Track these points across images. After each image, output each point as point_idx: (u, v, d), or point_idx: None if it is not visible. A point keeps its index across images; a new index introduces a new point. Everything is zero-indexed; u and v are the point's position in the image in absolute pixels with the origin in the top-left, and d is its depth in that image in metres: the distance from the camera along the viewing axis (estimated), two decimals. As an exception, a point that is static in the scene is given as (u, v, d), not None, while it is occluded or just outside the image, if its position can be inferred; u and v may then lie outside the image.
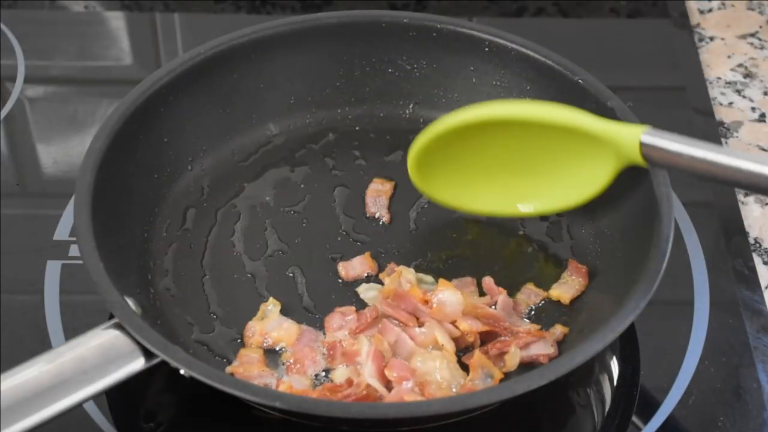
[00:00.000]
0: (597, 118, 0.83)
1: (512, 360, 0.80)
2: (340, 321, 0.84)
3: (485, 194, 0.90)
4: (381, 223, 0.93)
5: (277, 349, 0.83)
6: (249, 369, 0.81)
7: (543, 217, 0.93)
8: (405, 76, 1.00)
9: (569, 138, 0.83)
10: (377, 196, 0.94)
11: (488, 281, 0.86)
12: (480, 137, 0.86)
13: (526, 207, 0.90)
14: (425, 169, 0.90)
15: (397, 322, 0.83)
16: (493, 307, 0.85)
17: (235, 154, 0.97)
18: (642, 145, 0.80)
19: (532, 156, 0.86)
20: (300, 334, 0.84)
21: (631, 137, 0.81)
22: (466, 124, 0.86)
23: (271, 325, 0.84)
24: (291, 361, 0.82)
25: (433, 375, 0.79)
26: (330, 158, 0.98)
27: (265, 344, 0.83)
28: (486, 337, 0.83)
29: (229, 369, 0.82)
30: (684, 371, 0.85)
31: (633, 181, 0.86)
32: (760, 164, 0.75)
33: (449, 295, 0.83)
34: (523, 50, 0.95)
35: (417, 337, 0.81)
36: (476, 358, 0.80)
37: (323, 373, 0.82)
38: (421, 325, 0.82)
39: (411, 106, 1.01)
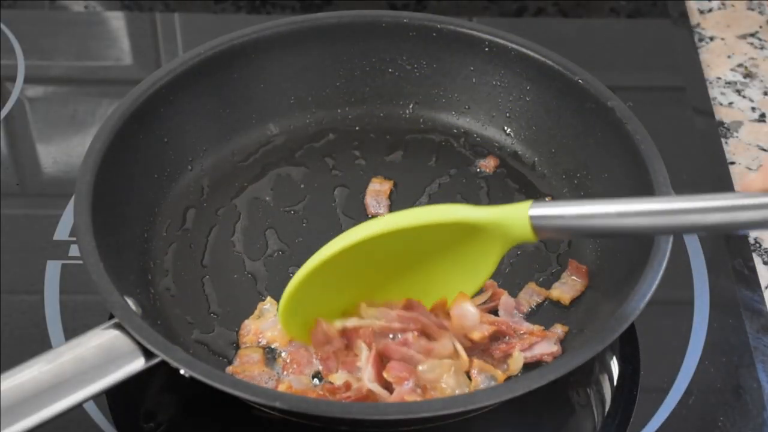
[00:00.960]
0: (475, 208, 0.79)
1: (515, 364, 0.80)
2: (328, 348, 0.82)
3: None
4: (382, 222, 0.93)
5: (273, 347, 0.83)
6: (249, 369, 0.82)
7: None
8: (405, 76, 1.00)
9: (447, 234, 0.79)
10: (377, 196, 0.94)
11: (490, 282, 0.86)
12: (351, 261, 0.80)
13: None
14: (303, 316, 0.82)
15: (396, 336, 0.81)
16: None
17: (235, 154, 0.97)
18: (531, 219, 0.76)
19: (413, 259, 0.81)
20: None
21: (518, 217, 0.76)
22: (334, 256, 0.79)
23: (266, 324, 0.84)
24: (288, 360, 0.82)
25: (440, 383, 0.78)
26: (330, 158, 0.98)
27: (259, 343, 0.83)
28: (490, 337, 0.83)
29: (229, 369, 0.82)
30: (684, 371, 0.85)
31: (633, 181, 0.86)
32: (657, 203, 0.74)
33: (468, 308, 0.81)
34: (523, 50, 0.95)
35: (434, 350, 0.80)
36: (476, 364, 0.80)
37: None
38: (433, 338, 0.81)
39: (411, 106, 1.01)
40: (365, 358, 0.79)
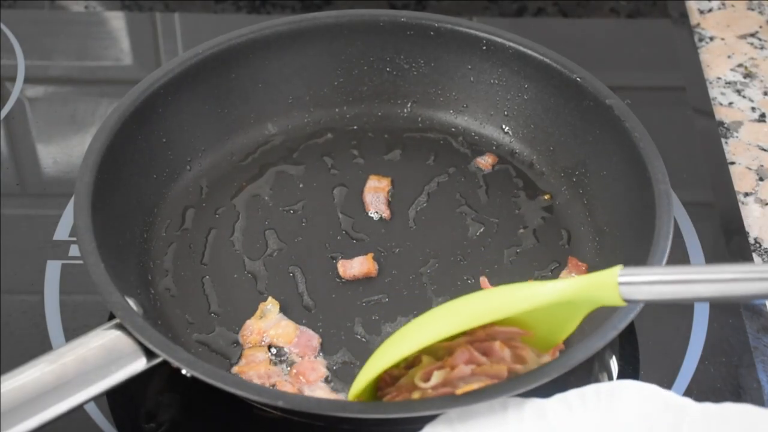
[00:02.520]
0: (559, 284, 0.73)
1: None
2: None
3: None
4: (380, 221, 0.93)
5: (278, 346, 0.84)
6: (256, 368, 0.82)
7: (542, 215, 0.93)
8: (403, 75, 1.00)
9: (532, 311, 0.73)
10: (376, 193, 0.94)
11: (484, 281, 0.86)
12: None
13: None
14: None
15: None
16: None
17: (234, 153, 0.97)
18: (621, 286, 0.70)
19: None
20: (298, 334, 0.84)
21: (607, 284, 0.70)
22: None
23: (268, 324, 0.84)
24: (294, 372, 0.82)
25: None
26: (328, 157, 0.98)
27: (262, 343, 0.83)
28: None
29: (235, 369, 0.82)
30: (684, 371, 0.85)
31: (632, 178, 0.86)
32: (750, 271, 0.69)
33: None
34: (521, 48, 0.95)
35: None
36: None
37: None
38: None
39: (409, 105, 1.01)
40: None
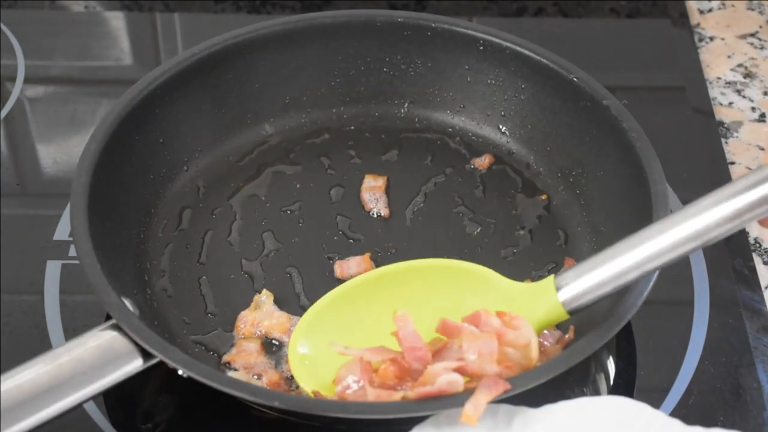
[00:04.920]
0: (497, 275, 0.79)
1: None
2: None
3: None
4: (378, 221, 0.93)
5: (272, 337, 0.84)
6: (246, 358, 0.82)
7: (539, 215, 0.93)
8: (400, 76, 1.00)
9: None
10: (373, 192, 0.94)
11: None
12: (369, 300, 0.80)
13: None
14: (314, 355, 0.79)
15: None
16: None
17: (231, 154, 0.97)
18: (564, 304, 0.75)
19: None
20: (291, 324, 0.84)
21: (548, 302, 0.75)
22: (343, 294, 0.80)
23: (262, 315, 0.85)
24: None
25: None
26: (325, 158, 0.98)
27: (257, 334, 0.84)
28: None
29: (226, 357, 0.83)
30: (684, 371, 0.85)
31: (628, 177, 0.86)
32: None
33: None
34: (518, 49, 0.95)
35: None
36: None
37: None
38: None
39: (406, 105, 1.01)
40: None
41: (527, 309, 0.76)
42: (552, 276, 0.77)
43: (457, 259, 0.90)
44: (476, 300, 0.78)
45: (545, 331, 0.81)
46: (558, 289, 0.76)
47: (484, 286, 0.80)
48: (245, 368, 0.82)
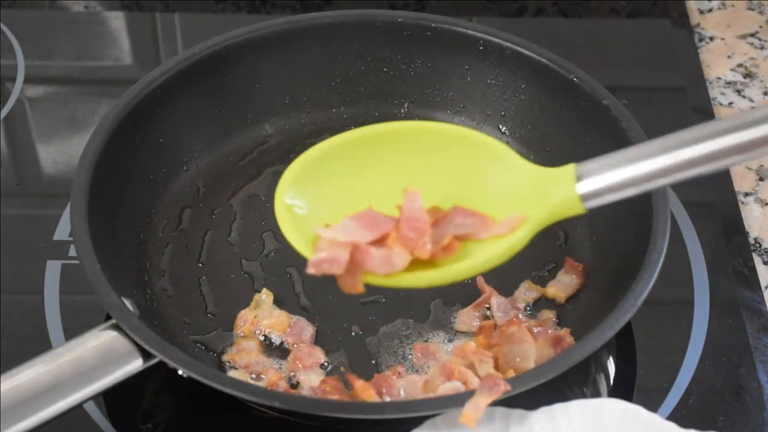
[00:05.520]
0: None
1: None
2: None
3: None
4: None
5: (270, 335, 0.84)
6: (246, 357, 0.82)
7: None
8: (400, 76, 1.00)
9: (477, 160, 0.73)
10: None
11: (480, 281, 0.86)
12: (367, 157, 0.75)
13: None
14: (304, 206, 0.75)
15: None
16: (487, 306, 0.86)
17: (231, 154, 0.97)
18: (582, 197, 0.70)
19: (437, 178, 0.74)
20: (291, 323, 0.85)
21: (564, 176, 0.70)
22: (348, 142, 0.75)
23: (262, 314, 0.85)
24: (291, 360, 0.82)
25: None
26: (326, 158, 0.98)
27: (256, 332, 0.84)
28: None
29: (225, 356, 0.83)
30: (684, 371, 0.85)
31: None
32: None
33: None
34: (518, 49, 0.95)
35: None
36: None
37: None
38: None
39: (406, 106, 1.01)
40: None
41: (540, 195, 0.71)
42: (573, 164, 0.72)
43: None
44: (486, 174, 0.74)
45: (539, 328, 0.81)
46: (579, 179, 0.70)
47: (498, 161, 0.75)
48: (245, 367, 0.82)
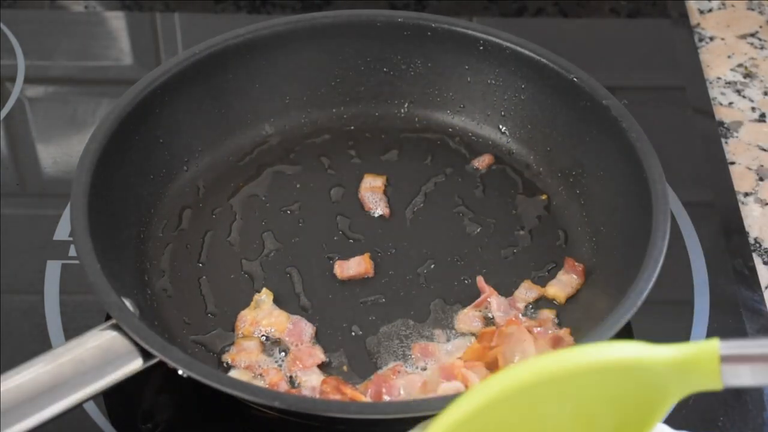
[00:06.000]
0: (648, 347, 0.63)
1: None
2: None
3: None
4: (377, 221, 0.93)
5: (271, 335, 0.84)
6: (246, 357, 0.82)
7: (539, 216, 0.93)
8: (400, 76, 1.00)
9: (613, 378, 0.62)
10: (373, 192, 0.94)
11: (480, 281, 0.87)
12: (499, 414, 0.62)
13: None
14: None
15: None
16: (487, 306, 0.86)
17: (231, 154, 0.97)
18: (722, 360, 0.59)
19: (570, 409, 0.64)
20: (291, 323, 0.85)
21: (705, 358, 0.59)
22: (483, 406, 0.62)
23: (261, 314, 0.85)
24: (291, 359, 0.83)
25: None
26: (325, 158, 0.98)
27: (256, 333, 0.84)
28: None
29: (225, 357, 0.83)
30: (684, 371, 0.85)
31: (628, 178, 0.86)
32: None
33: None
34: (518, 49, 0.95)
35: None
36: None
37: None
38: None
39: (406, 106, 1.01)
40: None
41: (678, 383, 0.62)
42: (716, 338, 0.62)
43: (456, 258, 0.90)
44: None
45: (539, 328, 0.81)
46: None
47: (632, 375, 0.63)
48: (245, 367, 0.82)
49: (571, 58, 0.95)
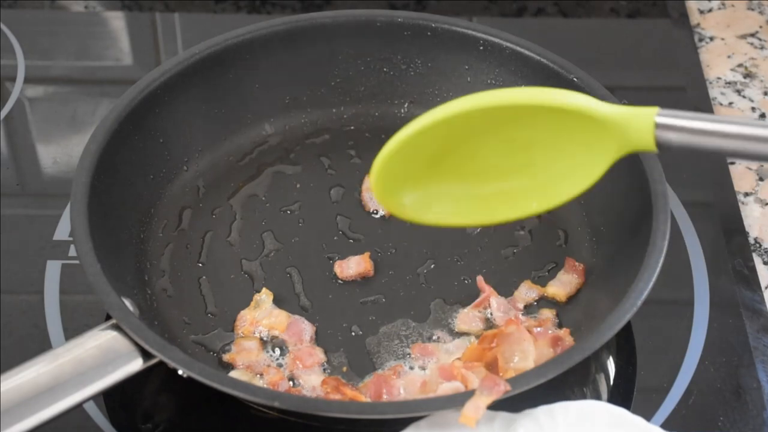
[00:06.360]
0: (594, 100, 0.75)
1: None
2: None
3: (465, 203, 0.80)
4: (377, 221, 0.93)
5: (270, 335, 0.84)
6: (246, 357, 0.82)
7: (539, 216, 0.93)
8: (400, 76, 1.00)
9: (561, 126, 0.75)
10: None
11: (480, 281, 0.87)
12: (454, 137, 0.76)
13: (511, 211, 0.80)
14: (394, 183, 0.78)
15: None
16: (488, 307, 0.86)
17: (231, 154, 0.97)
18: (657, 126, 0.71)
19: (516, 152, 0.76)
20: (290, 322, 0.85)
21: (642, 121, 0.71)
22: (438, 122, 0.75)
23: (261, 313, 0.85)
24: (292, 358, 0.83)
25: None
26: (325, 158, 0.98)
27: (255, 332, 0.84)
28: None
29: (225, 357, 0.83)
30: (684, 371, 0.85)
31: (628, 178, 0.86)
32: None
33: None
34: (518, 48, 0.95)
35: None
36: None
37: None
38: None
39: (406, 105, 1.01)
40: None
41: (618, 128, 0.73)
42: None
43: (456, 258, 0.90)
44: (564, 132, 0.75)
45: (539, 328, 0.81)
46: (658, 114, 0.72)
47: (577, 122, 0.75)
48: (245, 367, 0.82)
49: (571, 58, 0.95)
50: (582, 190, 0.77)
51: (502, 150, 0.77)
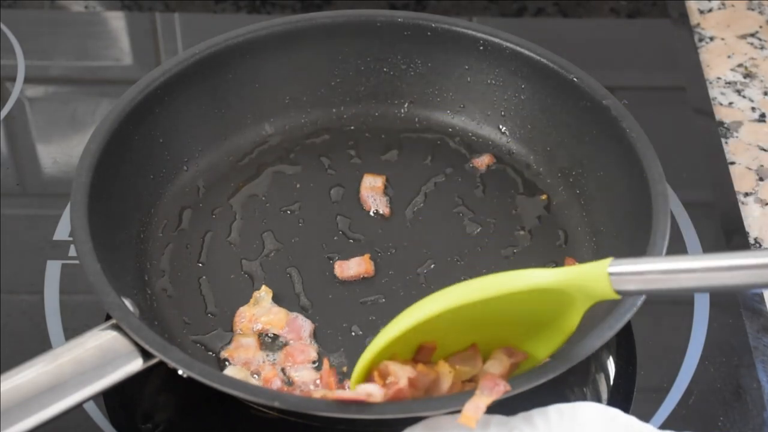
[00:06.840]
0: (546, 272, 0.73)
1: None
2: None
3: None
4: (377, 221, 0.93)
5: (269, 332, 0.84)
6: (244, 353, 0.82)
7: (539, 216, 0.93)
8: (400, 76, 1.00)
9: (527, 301, 0.74)
10: (373, 192, 0.95)
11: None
12: (426, 332, 0.74)
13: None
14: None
15: None
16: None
17: (231, 154, 0.97)
18: (612, 276, 0.70)
19: (487, 324, 0.75)
20: (289, 320, 0.85)
21: (596, 276, 0.71)
22: (409, 327, 0.73)
23: (260, 310, 0.85)
24: (284, 355, 0.83)
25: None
26: (325, 158, 0.98)
27: (254, 329, 0.84)
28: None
29: (223, 353, 0.83)
30: (684, 371, 0.85)
31: (628, 178, 0.86)
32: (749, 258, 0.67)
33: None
34: (518, 49, 0.95)
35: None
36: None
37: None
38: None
39: (406, 105, 1.01)
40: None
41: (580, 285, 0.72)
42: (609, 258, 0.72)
43: (456, 258, 0.90)
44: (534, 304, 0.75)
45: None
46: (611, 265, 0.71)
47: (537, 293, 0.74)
48: (243, 364, 0.82)
49: (571, 58, 0.95)
50: (557, 346, 0.76)
51: (475, 333, 0.76)
